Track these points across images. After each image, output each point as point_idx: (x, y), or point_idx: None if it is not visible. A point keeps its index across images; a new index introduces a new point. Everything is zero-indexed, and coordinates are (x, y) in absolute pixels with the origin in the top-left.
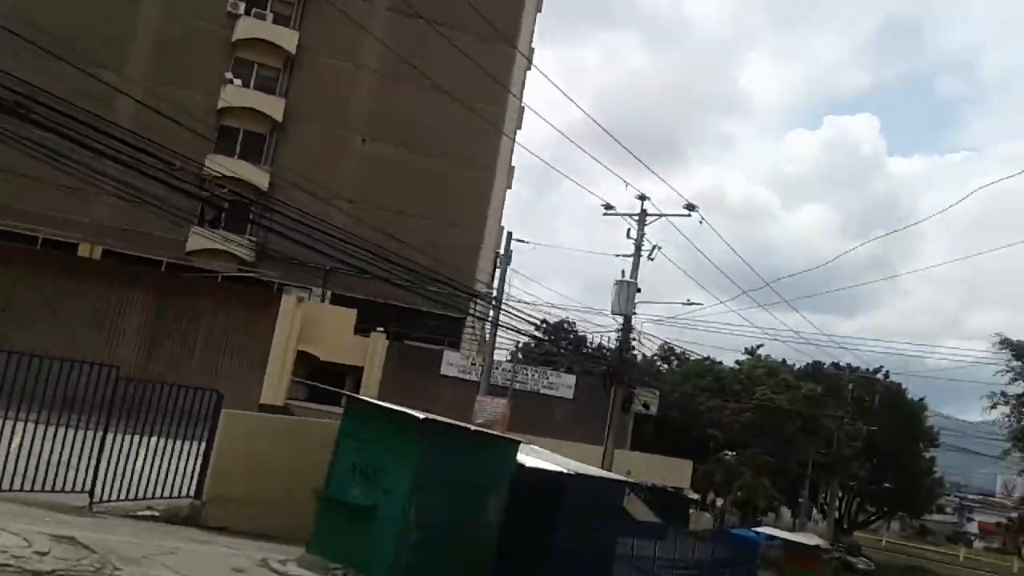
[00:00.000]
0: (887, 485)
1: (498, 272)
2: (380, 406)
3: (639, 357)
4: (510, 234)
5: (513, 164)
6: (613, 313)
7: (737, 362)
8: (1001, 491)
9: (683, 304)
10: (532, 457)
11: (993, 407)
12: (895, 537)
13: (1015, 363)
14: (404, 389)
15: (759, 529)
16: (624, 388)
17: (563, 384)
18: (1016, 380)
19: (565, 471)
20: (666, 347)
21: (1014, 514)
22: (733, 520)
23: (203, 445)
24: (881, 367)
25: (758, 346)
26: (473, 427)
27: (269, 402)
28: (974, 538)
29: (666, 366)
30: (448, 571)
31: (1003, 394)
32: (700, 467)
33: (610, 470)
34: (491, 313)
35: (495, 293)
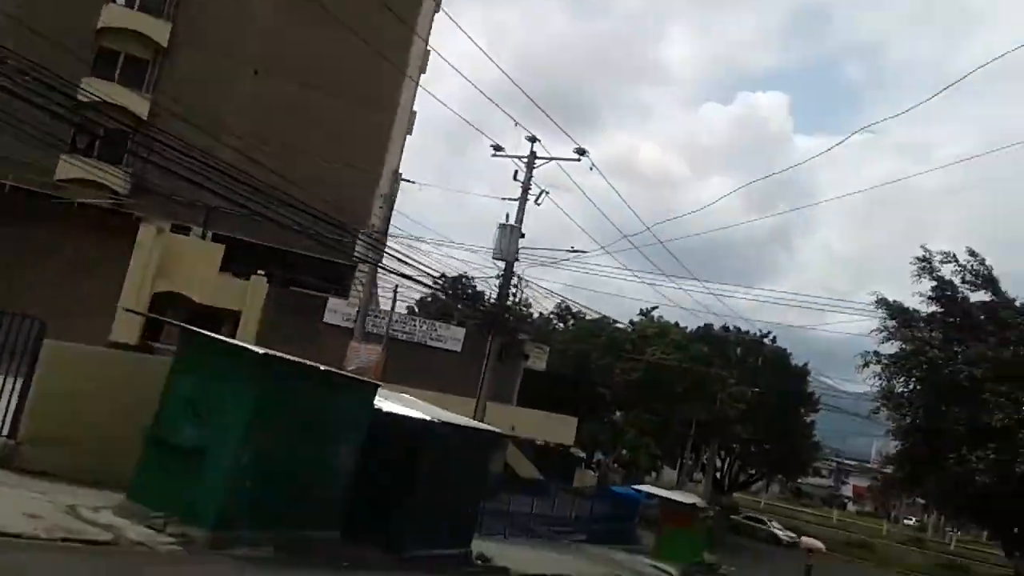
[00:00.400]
0: (767, 447)
1: (380, 214)
2: (217, 340)
3: (535, 315)
4: (396, 172)
5: (415, 109)
6: (495, 258)
7: (631, 322)
8: (876, 457)
9: (568, 251)
10: (394, 403)
11: (865, 366)
12: (774, 499)
13: (889, 323)
14: (285, 336)
15: (639, 487)
16: (505, 336)
17: (451, 336)
18: (889, 340)
19: (429, 418)
20: (563, 306)
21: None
22: (616, 479)
23: (21, 380)
24: (769, 332)
25: (652, 308)
26: (323, 367)
27: (121, 340)
28: (848, 501)
29: (562, 325)
30: (291, 520)
31: (876, 354)
32: (588, 426)
33: (483, 422)
34: (376, 258)
35: (370, 233)
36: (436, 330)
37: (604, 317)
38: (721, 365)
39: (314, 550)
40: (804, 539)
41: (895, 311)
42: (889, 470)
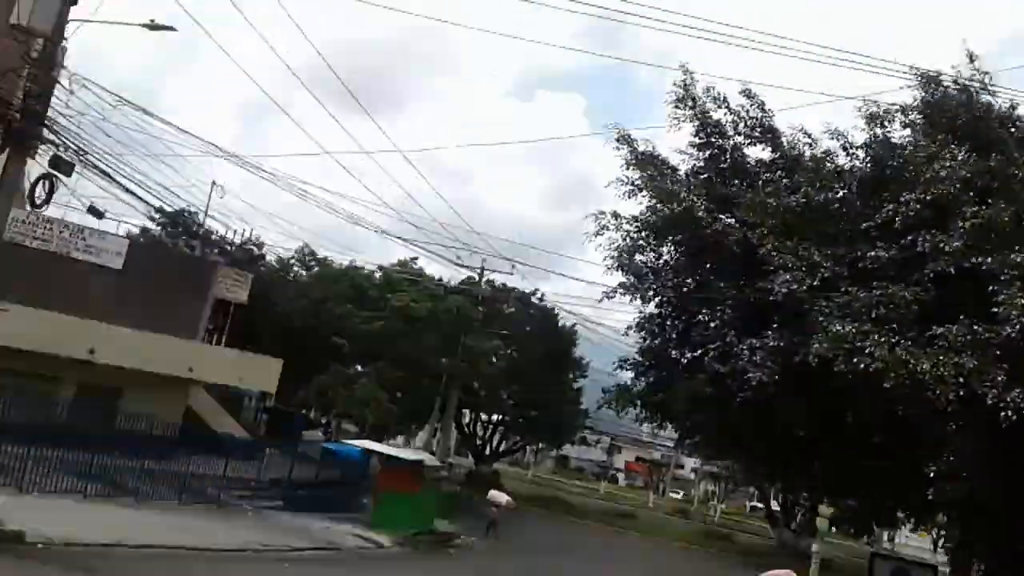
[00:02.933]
0: (533, 413)
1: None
2: None
3: (270, 257)
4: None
5: None
6: (12, 27)
7: (380, 267)
8: (648, 433)
9: (148, 26)
10: None
11: (599, 232)
12: (546, 473)
13: (635, 173)
14: None
15: (357, 443)
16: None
17: (109, 249)
18: (635, 194)
19: None
20: (306, 250)
21: (658, 455)
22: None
23: None
24: (537, 290)
25: (413, 258)
26: None
27: None
28: (619, 474)
29: (304, 272)
30: None
31: (615, 215)
32: (324, 380)
33: None
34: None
35: None
36: (85, 238)
37: (352, 262)
38: (480, 318)
39: None
40: (492, 492)
41: (644, 157)
42: (629, 379)
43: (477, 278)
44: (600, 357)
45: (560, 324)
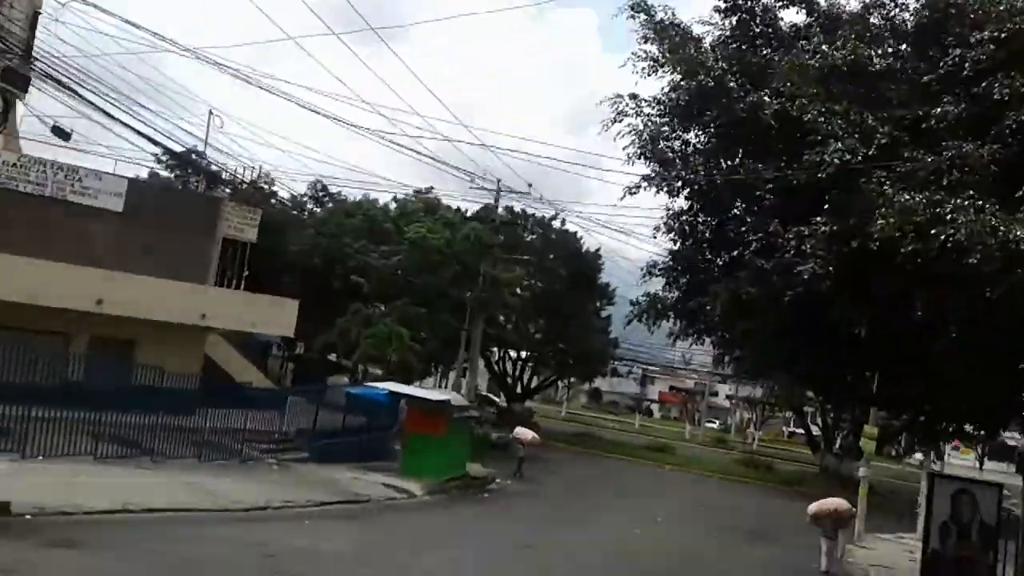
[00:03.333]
0: (561, 345)
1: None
2: None
3: (284, 194)
4: None
5: None
6: None
7: (395, 199)
8: (681, 360)
9: None
10: None
11: (616, 119)
12: (579, 408)
13: (653, 46)
14: None
15: (380, 385)
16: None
17: (107, 191)
18: (658, 70)
19: None
20: (319, 186)
21: (691, 383)
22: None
23: None
24: (558, 214)
25: (428, 188)
26: None
27: None
28: (653, 406)
29: (318, 208)
30: None
31: (633, 96)
32: (345, 323)
33: None
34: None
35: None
36: (80, 179)
37: (365, 195)
38: (501, 246)
39: None
40: (517, 429)
41: (664, 26)
42: (659, 288)
43: (494, 203)
44: (627, 286)
45: (584, 249)
